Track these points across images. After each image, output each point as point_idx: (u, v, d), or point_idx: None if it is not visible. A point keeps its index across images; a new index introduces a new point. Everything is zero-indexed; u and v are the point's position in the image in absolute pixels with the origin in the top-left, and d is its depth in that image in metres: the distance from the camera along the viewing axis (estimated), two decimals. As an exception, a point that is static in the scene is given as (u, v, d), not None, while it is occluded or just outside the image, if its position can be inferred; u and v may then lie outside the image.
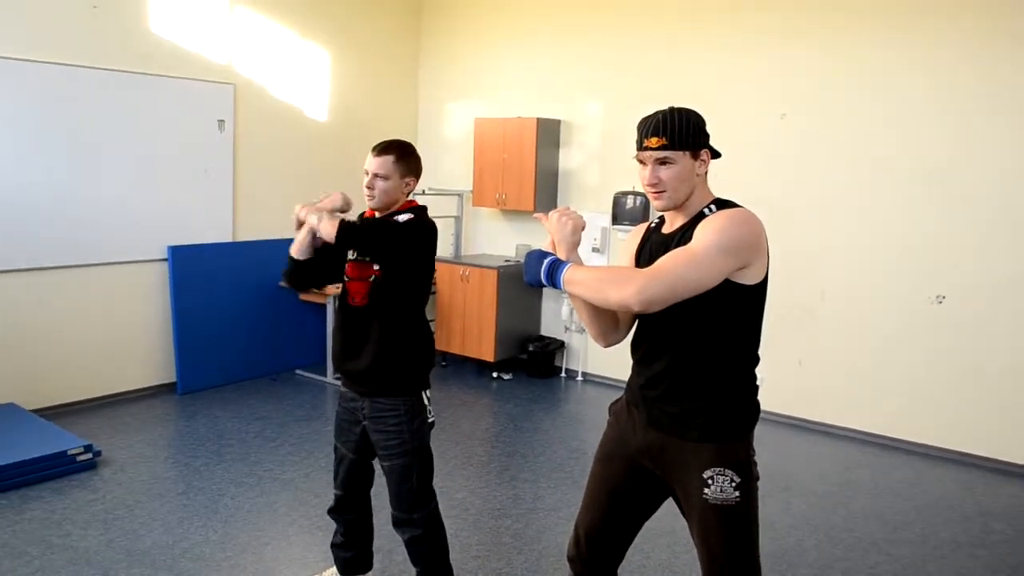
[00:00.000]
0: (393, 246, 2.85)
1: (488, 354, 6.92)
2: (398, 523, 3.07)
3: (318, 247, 2.91)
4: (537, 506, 4.40)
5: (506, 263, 6.96)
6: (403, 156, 2.92)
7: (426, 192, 6.95)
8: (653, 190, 2.27)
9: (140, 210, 5.81)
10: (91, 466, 4.63)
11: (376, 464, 3.12)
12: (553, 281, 2.18)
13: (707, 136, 2.30)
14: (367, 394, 2.99)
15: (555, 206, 7.09)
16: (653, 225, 2.46)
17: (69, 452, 4.57)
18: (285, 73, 6.69)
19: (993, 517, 4.53)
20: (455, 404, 6.24)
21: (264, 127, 6.57)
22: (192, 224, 6.14)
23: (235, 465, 4.79)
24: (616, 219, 6.63)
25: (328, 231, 2.76)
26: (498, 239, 7.43)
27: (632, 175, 6.52)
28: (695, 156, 2.26)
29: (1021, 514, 4.60)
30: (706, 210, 2.26)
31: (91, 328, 5.67)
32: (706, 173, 2.31)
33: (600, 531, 2.49)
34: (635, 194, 6.47)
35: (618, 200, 6.60)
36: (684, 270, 2.08)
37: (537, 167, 6.82)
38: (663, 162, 2.24)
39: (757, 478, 2.29)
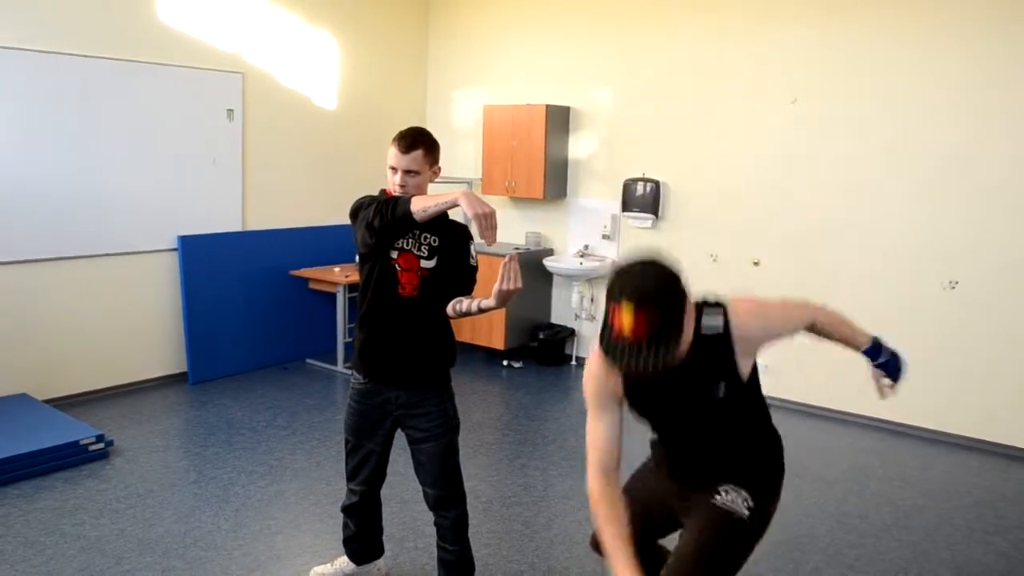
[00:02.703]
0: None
1: (499, 342, 6.91)
2: (444, 503, 3.08)
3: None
4: (548, 494, 4.39)
5: (516, 250, 6.93)
6: (430, 149, 2.89)
7: (435, 181, 6.91)
8: None
9: (150, 200, 5.82)
10: (103, 456, 4.65)
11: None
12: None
13: (685, 299, 2.09)
14: (407, 385, 3.00)
15: (565, 194, 7.07)
16: None
17: (81, 442, 4.59)
18: (294, 62, 6.67)
19: (1006, 503, 4.50)
20: (466, 392, 6.24)
21: (273, 116, 6.56)
22: (202, 214, 6.14)
23: (246, 454, 4.81)
24: (626, 206, 6.60)
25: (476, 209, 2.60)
26: (508, 227, 7.41)
27: (642, 161, 6.52)
28: (679, 338, 2.05)
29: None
30: (707, 328, 2.20)
31: (102, 319, 5.69)
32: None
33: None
34: (645, 181, 6.43)
35: (628, 187, 6.56)
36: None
37: (547, 154, 6.78)
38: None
39: (767, 520, 2.38)
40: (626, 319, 1.98)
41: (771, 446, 2.47)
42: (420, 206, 2.66)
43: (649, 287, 2.00)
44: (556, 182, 6.97)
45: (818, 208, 5.76)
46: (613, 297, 2.03)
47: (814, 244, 5.79)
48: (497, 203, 7.43)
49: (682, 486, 2.47)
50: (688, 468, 2.46)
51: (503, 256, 2.71)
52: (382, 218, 2.73)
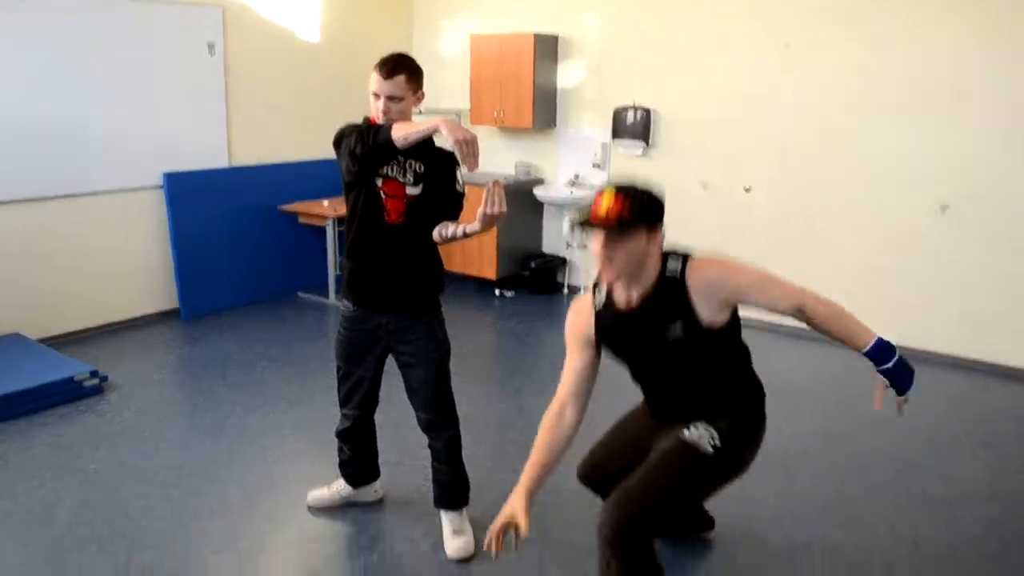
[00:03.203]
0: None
1: (490, 272, 6.91)
2: (436, 427, 3.12)
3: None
4: (541, 418, 4.42)
5: (505, 181, 6.88)
6: (413, 74, 2.84)
7: (422, 112, 6.82)
8: (606, 273, 2.32)
9: (134, 138, 5.72)
10: (98, 391, 4.67)
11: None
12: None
13: (661, 212, 2.32)
14: (397, 311, 3.00)
15: (554, 123, 6.99)
16: (601, 305, 2.51)
17: (76, 378, 4.60)
18: (274, -8, 6.51)
19: (998, 421, 4.56)
20: (458, 322, 6.21)
21: (255, 50, 6.42)
22: (187, 151, 6.05)
23: (241, 386, 4.83)
24: (616, 134, 6.53)
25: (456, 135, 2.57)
26: (497, 157, 7.34)
27: (632, 89, 6.43)
28: (651, 232, 2.30)
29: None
30: (669, 271, 2.33)
31: (92, 257, 5.65)
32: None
33: (613, 461, 2.79)
34: (635, 109, 6.35)
35: (618, 115, 6.49)
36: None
37: (535, 84, 6.69)
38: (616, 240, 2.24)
39: (738, 467, 2.49)
40: (605, 200, 2.21)
41: (749, 394, 2.55)
42: (401, 132, 2.63)
43: (632, 185, 2.26)
44: (545, 111, 6.88)
45: (810, 135, 5.70)
46: (599, 192, 2.28)
47: (806, 171, 5.75)
48: (486, 133, 7.35)
49: (659, 423, 2.63)
50: (662, 406, 2.62)
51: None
52: (363, 145, 2.70)
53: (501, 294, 6.98)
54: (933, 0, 5.14)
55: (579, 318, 2.55)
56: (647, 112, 6.31)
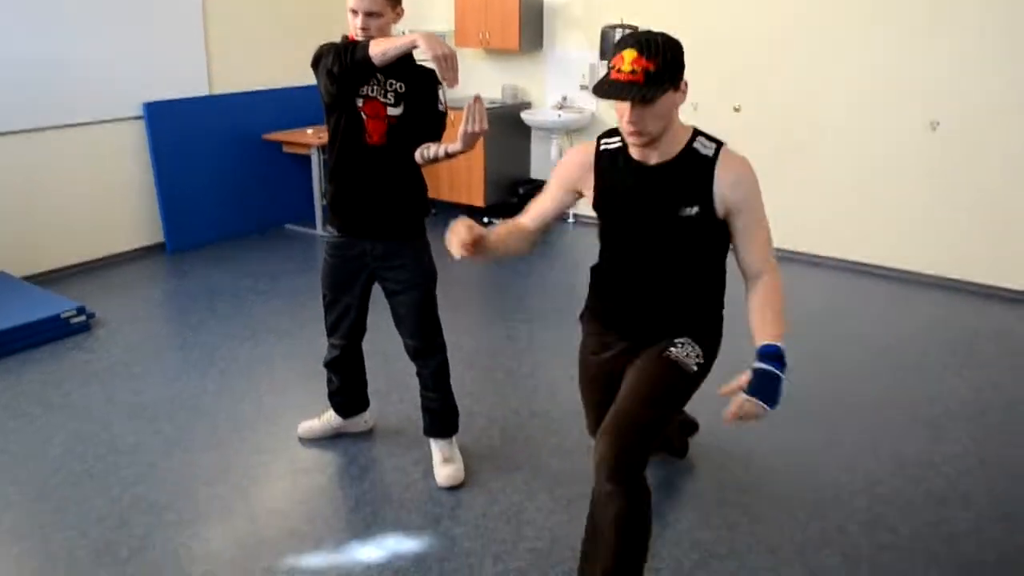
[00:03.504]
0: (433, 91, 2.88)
1: (478, 199, 6.84)
2: (424, 353, 3.12)
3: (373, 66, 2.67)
4: (532, 345, 4.45)
5: (492, 105, 6.76)
6: None
7: (398, 23, 6.66)
8: (634, 135, 2.10)
9: (110, 66, 5.56)
10: (85, 328, 4.64)
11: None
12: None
13: (683, 65, 2.10)
14: (381, 236, 2.96)
15: (541, 44, 6.84)
16: (610, 148, 2.28)
17: (62, 315, 4.56)
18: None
19: (982, 339, 4.58)
20: (443, 251, 6.21)
21: (231, -29, 6.23)
22: (166, 78, 5.90)
23: (229, 319, 4.81)
24: (604, 55, 6.39)
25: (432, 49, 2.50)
26: (483, 80, 7.19)
27: (620, 7, 6.27)
28: (677, 89, 2.09)
29: (1009, 335, 4.65)
30: (700, 147, 2.18)
31: (74, 191, 5.55)
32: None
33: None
34: (623, 27, 6.20)
35: (606, 34, 6.33)
36: None
37: (521, 3, 6.51)
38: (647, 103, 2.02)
39: (703, 375, 2.35)
40: (627, 58, 2.00)
41: (718, 315, 2.44)
42: (379, 49, 2.55)
43: (653, 41, 2.02)
44: (532, 32, 6.72)
45: (800, 54, 5.59)
46: (616, 48, 2.05)
47: (796, 90, 5.66)
48: (471, 56, 7.20)
49: (625, 339, 2.42)
50: (635, 303, 2.37)
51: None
52: (341, 64, 2.62)
53: (489, 221, 6.93)
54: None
55: (576, 159, 2.34)
56: (635, 30, 6.16)
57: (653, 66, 1.98)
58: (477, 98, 2.55)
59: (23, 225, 5.33)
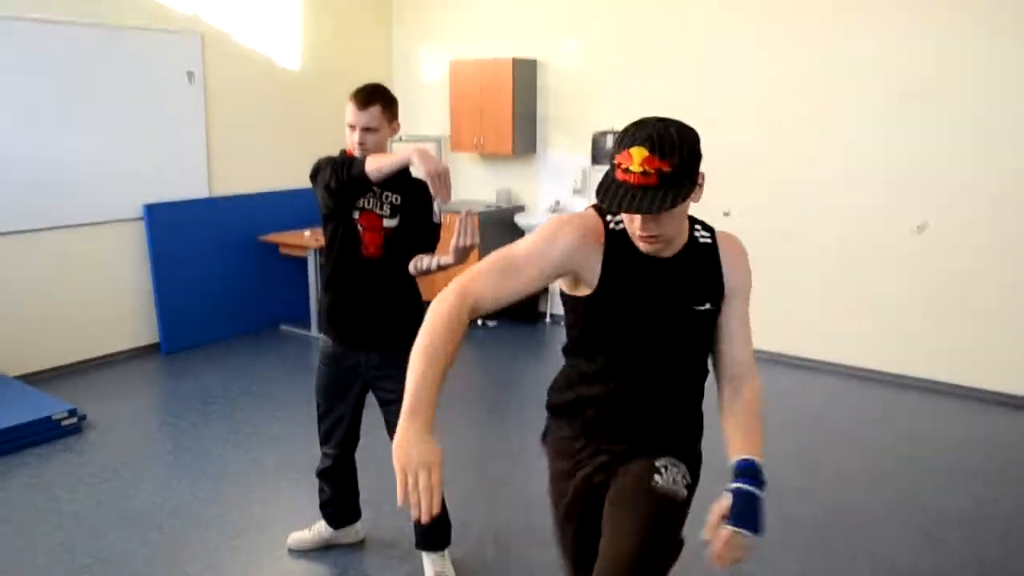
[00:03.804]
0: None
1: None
2: None
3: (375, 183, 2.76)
4: (525, 451, 4.43)
5: (487, 208, 6.89)
6: (388, 104, 2.87)
7: (403, 139, 6.85)
8: (649, 241, 1.83)
9: (113, 169, 5.70)
10: (77, 430, 4.62)
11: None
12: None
13: (700, 158, 1.78)
14: (376, 346, 2.99)
15: (534, 149, 7.02)
16: (619, 230, 1.90)
17: (54, 417, 4.55)
18: (253, 21, 6.51)
19: (975, 445, 4.58)
20: (441, 352, 6.24)
21: (235, 78, 6.42)
22: (167, 181, 6.03)
23: (222, 424, 4.79)
24: (596, 159, 6.56)
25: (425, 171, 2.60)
26: (477, 184, 7.35)
27: (611, 114, 6.47)
28: (695, 187, 1.76)
29: (1005, 443, 4.65)
30: (699, 236, 1.99)
31: (72, 291, 5.61)
32: None
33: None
34: (614, 133, 6.38)
35: (597, 140, 6.53)
36: None
37: (515, 109, 6.72)
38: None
39: (691, 497, 2.04)
40: (636, 158, 1.68)
41: (700, 424, 2.15)
42: (374, 166, 2.66)
43: (666, 135, 1.69)
44: (525, 137, 6.91)
45: (787, 158, 5.76)
46: (622, 145, 1.71)
47: (784, 193, 5.80)
48: (466, 160, 7.38)
49: (601, 453, 2.06)
50: (629, 415, 2.03)
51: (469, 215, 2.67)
52: (338, 179, 2.72)
53: (484, 323, 6.98)
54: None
55: (579, 236, 1.88)
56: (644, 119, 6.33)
57: (668, 166, 1.67)
58: (469, 212, 2.62)
59: (20, 324, 5.35)
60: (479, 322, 6.97)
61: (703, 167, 1.77)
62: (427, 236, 2.96)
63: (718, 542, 1.73)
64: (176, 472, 4.19)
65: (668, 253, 1.91)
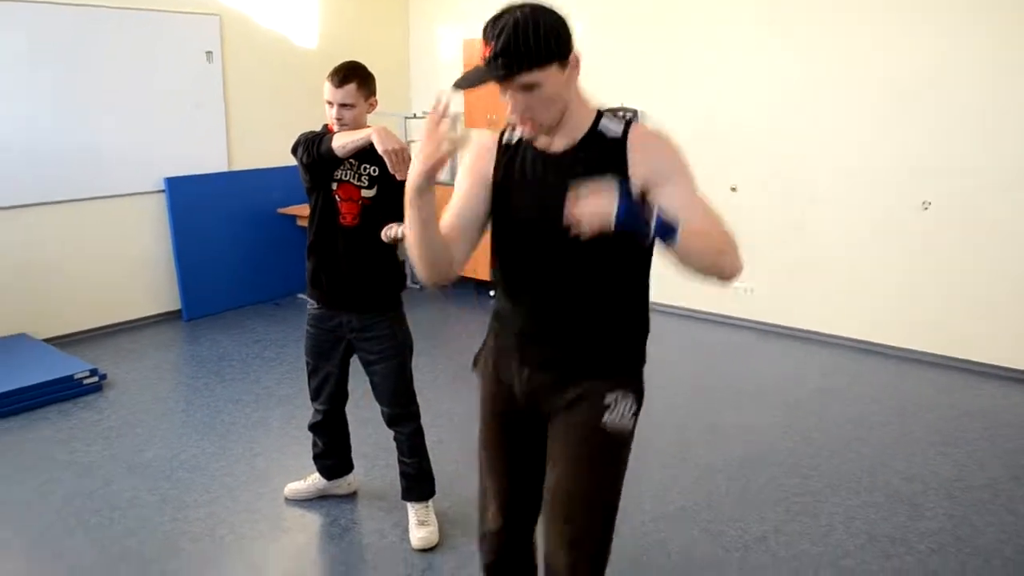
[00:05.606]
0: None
1: (484, 273, 7.04)
2: (397, 420, 3.28)
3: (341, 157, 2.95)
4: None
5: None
6: (364, 81, 3.03)
7: (417, 116, 7.00)
8: (524, 122, 1.82)
9: (136, 144, 5.94)
10: (97, 389, 4.86)
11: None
12: (667, 230, 1.66)
13: (571, 36, 1.80)
14: (357, 309, 3.16)
15: (547, 125, 7.08)
16: (514, 140, 1.94)
17: (76, 376, 4.79)
18: (270, 1, 6.69)
19: (970, 417, 4.61)
20: (450, 322, 6.42)
21: (253, 57, 6.61)
22: (187, 155, 6.26)
23: (234, 384, 5.01)
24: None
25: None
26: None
27: (619, 91, 6.54)
28: (563, 65, 1.76)
29: (998, 414, 4.69)
30: (606, 129, 1.87)
31: (97, 260, 5.86)
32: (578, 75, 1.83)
33: (513, 495, 2.18)
34: (623, 110, 6.47)
35: (608, 117, 6.59)
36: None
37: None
38: (527, 87, 1.73)
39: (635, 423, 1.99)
40: (490, 46, 1.74)
41: (643, 344, 2.03)
42: (340, 143, 2.86)
43: (521, 19, 1.75)
44: (538, 114, 6.98)
45: (793, 134, 5.79)
46: (483, 40, 1.77)
47: (790, 169, 5.84)
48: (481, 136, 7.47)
49: (535, 373, 2.00)
50: (546, 326, 1.96)
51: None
52: (309, 155, 2.95)
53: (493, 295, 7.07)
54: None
55: (483, 142, 1.98)
56: (634, 113, 6.42)
57: (521, 45, 1.70)
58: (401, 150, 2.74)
59: (47, 290, 5.62)
60: (491, 292, 7.09)
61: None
62: (402, 206, 3.09)
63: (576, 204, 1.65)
64: (187, 428, 4.41)
65: (559, 147, 1.86)
